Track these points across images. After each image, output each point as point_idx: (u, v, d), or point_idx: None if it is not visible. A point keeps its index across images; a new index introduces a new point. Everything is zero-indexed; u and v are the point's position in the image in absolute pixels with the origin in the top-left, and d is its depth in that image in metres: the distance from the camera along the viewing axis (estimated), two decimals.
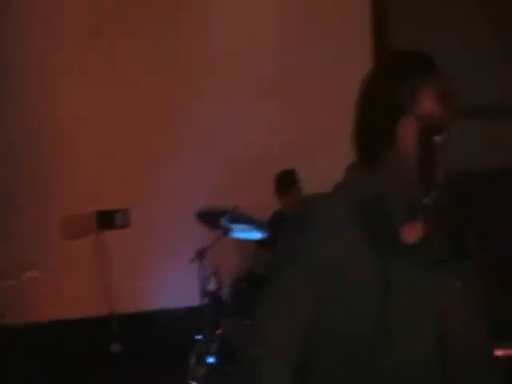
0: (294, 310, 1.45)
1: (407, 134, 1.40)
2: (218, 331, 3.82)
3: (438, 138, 1.37)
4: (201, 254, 3.90)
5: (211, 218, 3.93)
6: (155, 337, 4.45)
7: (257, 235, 3.96)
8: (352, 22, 4.97)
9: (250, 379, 1.47)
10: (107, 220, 4.44)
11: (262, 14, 4.92)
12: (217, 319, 3.87)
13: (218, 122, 4.79)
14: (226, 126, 4.79)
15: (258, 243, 4.32)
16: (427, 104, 1.40)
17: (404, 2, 5.09)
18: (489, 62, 5.10)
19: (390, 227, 1.44)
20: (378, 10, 5.05)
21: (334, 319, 1.43)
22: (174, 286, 4.53)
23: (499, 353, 3.44)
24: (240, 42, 4.82)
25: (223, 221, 3.87)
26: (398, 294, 1.41)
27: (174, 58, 4.74)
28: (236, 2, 4.93)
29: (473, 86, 4.79)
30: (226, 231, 3.88)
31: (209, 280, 3.93)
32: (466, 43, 5.07)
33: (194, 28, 4.79)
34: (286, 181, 4.42)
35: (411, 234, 1.46)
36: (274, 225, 4.13)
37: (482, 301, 1.44)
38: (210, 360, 3.73)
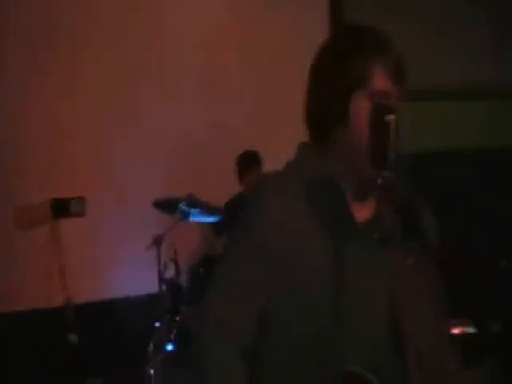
0: (248, 291, 1.42)
1: (359, 110, 1.38)
2: (177, 318, 3.79)
3: (389, 118, 1.35)
4: (158, 241, 3.86)
5: (168, 206, 3.93)
6: (114, 326, 4.39)
7: (213, 219, 3.99)
8: None
9: (201, 364, 1.44)
10: (62, 208, 4.35)
11: None
12: (176, 306, 3.84)
13: (173, 108, 4.71)
14: (182, 111, 4.72)
15: (214, 228, 4.30)
16: (379, 80, 1.37)
17: None
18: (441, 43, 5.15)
19: (342, 206, 1.42)
20: None
21: (287, 308, 1.40)
22: (131, 273, 4.47)
23: (456, 331, 3.50)
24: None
25: (181, 205, 3.88)
26: (352, 274, 1.39)
27: (121, 43, 4.63)
28: None
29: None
30: (184, 216, 3.88)
31: (166, 267, 3.89)
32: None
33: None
34: (249, 161, 4.41)
35: (363, 213, 1.44)
36: (234, 208, 4.12)
37: (435, 280, 1.43)
38: (169, 347, 3.70)
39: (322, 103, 1.42)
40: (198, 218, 3.99)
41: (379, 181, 1.33)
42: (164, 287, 3.86)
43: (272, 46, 4.83)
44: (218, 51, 4.77)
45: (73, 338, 4.07)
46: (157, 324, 3.81)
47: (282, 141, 3.90)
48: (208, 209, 3.92)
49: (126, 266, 4.51)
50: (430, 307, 1.41)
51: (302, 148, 1.50)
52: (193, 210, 3.89)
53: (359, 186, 1.43)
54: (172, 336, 3.71)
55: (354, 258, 1.40)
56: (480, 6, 5.31)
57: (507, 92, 5.35)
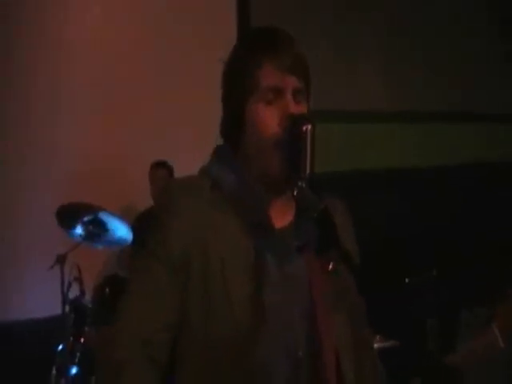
0: (158, 302, 1.37)
1: (254, 115, 1.38)
2: (82, 340, 3.66)
3: (306, 127, 1.34)
4: (61, 260, 3.72)
5: (72, 219, 3.79)
6: (14, 350, 4.16)
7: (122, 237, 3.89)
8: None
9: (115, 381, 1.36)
10: None
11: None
12: (80, 328, 3.71)
13: (77, 119, 4.54)
14: (89, 123, 4.55)
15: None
16: (268, 77, 1.38)
17: None
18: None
19: (259, 210, 1.40)
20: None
21: (203, 311, 1.36)
22: (32, 294, 4.26)
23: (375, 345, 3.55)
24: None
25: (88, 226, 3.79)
26: (271, 275, 1.37)
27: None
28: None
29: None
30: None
31: (70, 287, 3.75)
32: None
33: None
34: (155, 164, 4.43)
35: (281, 220, 1.43)
36: (141, 224, 4.07)
37: (353, 288, 1.42)
38: (73, 371, 3.56)
39: (226, 112, 1.45)
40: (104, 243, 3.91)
41: (295, 191, 1.31)
42: (67, 308, 3.71)
43: (183, 56, 4.75)
44: (122, 64, 4.63)
45: None
46: (59, 347, 3.65)
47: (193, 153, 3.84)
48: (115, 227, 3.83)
49: (27, 286, 4.30)
50: (348, 312, 1.41)
51: (216, 151, 1.49)
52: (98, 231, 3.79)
53: (272, 190, 1.42)
54: (76, 359, 3.57)
55: (274, 261, 1.38)
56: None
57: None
